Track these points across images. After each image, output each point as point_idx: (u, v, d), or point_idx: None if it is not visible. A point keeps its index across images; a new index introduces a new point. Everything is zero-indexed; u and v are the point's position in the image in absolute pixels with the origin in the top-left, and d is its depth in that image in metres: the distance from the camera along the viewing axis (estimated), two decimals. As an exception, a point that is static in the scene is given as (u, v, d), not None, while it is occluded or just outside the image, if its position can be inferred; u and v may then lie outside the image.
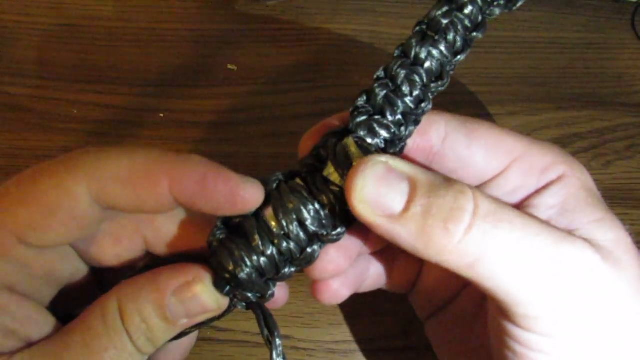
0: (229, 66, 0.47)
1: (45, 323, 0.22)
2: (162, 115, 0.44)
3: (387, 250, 0.29)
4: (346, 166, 0.21)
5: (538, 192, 0.25)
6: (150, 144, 0.43)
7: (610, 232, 0.23)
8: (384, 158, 0.20)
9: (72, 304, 0.25)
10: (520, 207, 0.25)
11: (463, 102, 0.46)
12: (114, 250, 0.25)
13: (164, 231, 0.25)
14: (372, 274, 0.30)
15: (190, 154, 0.22)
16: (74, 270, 0.25)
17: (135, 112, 0.44)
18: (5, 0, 0.50)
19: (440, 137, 0.25)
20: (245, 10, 0.51)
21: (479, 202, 0.20)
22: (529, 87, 0.47)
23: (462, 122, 0.26)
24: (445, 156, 0.26)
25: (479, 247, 0.20)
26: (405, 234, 0.20)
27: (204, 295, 0.22)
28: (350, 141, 0.22)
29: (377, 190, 0.20)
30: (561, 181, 0.25)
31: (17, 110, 0.44)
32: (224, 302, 0.23)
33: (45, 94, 0.45)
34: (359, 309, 0.35)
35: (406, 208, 0.20)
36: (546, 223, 0.21)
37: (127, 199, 0.22)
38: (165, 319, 0.21)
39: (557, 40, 0.51)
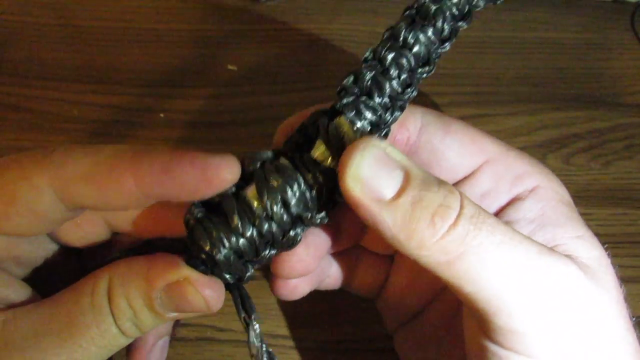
0: (229, 66, 0.47)
1: (20, 290, 0.22)
2: (162, 115, 0.44)
3: (351, 251, 0.29)
4: (338, 145, 0.21)
5: (513, 203, 0.24)
6: (150, 144, 0.43)
7: (593, 250, 0.22)
8: (382, 143, 0.20)
9: (56, 281, 0.24)
10: None
11: (463, 102, 0.46)
12: (76, 233, 0.24)
13: (127, 214, 0.24)
14: (333, 273, 0.30)
15: (155, 146, 0.21)
16: (48, 252, 0.24)
17: (135, 112, 0.44)
18: (5, 0, 0.50)
19: (416, 128, 0.25)
20: (245, 10, 0.51)
21: (464, 203, 0.20)
22: (528, 87, 0.47)
23: (438, 116, 0.26)
24: (420, 148, 0.25)
25: (460, 245, 0.19)
26: (390, 221, 0.19)
27: (194, 298, 0.21)
28: (342, 121, 0.21)
29: (372, 171, 0.20)
30: (537, 193, 0.24)
31: (17, 110, 0.44)
32: (217, 304, 0.22)
33: (45, 94, 0.45)
34: (359, 309, 0.35)
35: (397, 195, 0.20)
36: (527, 236, 0.21)
37: (93, 197, 0.21)
38: (153, 310, 0.21)
39: (557, 40, 0.51)
